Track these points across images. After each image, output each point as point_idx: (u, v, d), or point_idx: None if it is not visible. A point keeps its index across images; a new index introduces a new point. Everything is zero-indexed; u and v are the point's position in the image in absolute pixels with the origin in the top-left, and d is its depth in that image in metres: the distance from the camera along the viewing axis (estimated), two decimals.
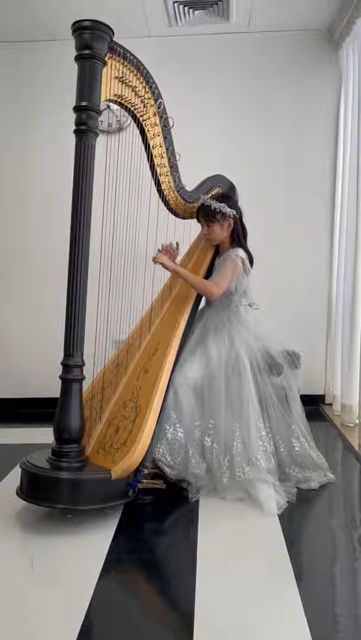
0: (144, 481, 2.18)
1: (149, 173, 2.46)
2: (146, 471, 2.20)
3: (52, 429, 2.09)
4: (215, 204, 2.53)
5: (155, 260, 2.47)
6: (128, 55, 2.18)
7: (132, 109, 2.30)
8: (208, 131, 3.65)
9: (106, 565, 1.74)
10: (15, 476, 2.22)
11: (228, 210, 2.54)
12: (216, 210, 2.53)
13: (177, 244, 2.73)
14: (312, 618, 1.45)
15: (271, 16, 3.47)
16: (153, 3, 3.29)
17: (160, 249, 2.64)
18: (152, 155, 2.41)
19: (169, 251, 2.67)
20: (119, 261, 2.36)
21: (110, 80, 2.14)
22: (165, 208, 2.62)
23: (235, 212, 2.57)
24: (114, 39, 2.10)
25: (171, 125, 2.44)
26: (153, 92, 2.33)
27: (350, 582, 1.70)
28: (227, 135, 3.69)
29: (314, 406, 3.64)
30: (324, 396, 3.76)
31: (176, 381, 2.35)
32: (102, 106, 2.13)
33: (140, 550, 1.86)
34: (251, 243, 2.66)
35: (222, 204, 2.53)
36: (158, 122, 2.38)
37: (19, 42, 3.71)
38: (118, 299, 2.37)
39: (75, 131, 2.07)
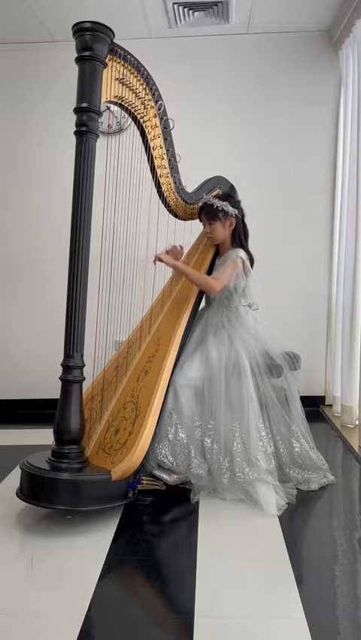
0: (144, 482, 2.19)
1: (149, 175, 2.46)
2: (144, 481, 2.20)
3: (52, 430, 2.09)
4: (218, 203, 2.54)
5: (155, 260, 2.49)
6: (129, 56, 2.18)
7: (133, 110, 2.30)
8: (208, 132, 3.66)
9: (106, 566, 1.74)
10: (15, 477, 2.22)
11: (230, 209, 2.55)
12: (218, 209, 2.54)
13: (181, 247, 2.76)
14: (312, 619, 1.45)
15: (271, 18, 3.48)
16: (152, 4, 3.29)
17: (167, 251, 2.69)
18: (152, 157, 2.42)
19: (173, 252, 2.69)
20: (119, 262, 2.37)
21: (111, 82, 2.15)
22: (165, 209, 2.62)
23: (237, 212, 2.58)
24: (114, 40, 2.11)
25: (171, 126, 2.44)
26: (154, 94, 2.33)
27: (350, 583, 1.70)
28: (227, 136, 3.69)
29: (314, 407, 3.64)
30: (324, 397, 3.76)
31: (176, 382, 2.35)
32: (102, 107, 2.13)
33: (140, 551, 1.86)
34: (251, 243, 2.66)
35: (225, 203, 2.54)
36: (158, 123, 2.38)
37: (20, 43, 3.72)
38: (118, 300, 2.37)
39: (75, 133, 2.07)
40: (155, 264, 2.51)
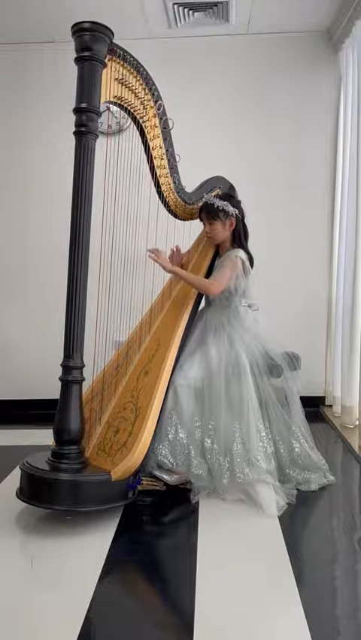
0: (144, 482, 2.18)
1: (148, 175, 2.46)
2: (144, 482, 2.20)
3: (52, 430, 2.09)
4: (218, 202, 2.54)
5: (150, 255, 2.44)
6: (128, 56, 2.18)
7: (132, 110, 2.30)
8: (208, 133, 3.66)
9: (106, 566, 1.74)
10: (15, 478, 2.22)
11: (231, 209, 2.54)
12: (219, 208, 2.54)
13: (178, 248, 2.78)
14: (312, 619, 1.45)
15: (271, 18, 3.48)
16: (152, 5, 3.29)
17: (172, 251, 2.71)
18: (152, 157, 2.41)
19: (174, 256, 2.70)
20: (119, 263, 2.37)
21: (110, 82, 2.15)
22: (164, 209, 2.62)
23: (237, 212, 2.58)
24: (114, 41, 2.11)
25: (170, 126, 2.44)
26: (153, 94, 2.33)
27: (350, 583, 1.70)
28: (227, 136, 3.69)
29: (314, 407, 3.64)
30: (324, 397, 3.76)
31: (176, 382, 2.35)
32: (102, 107, 2.13)
33: (140, 552, 1.86)
34: (251, 243, 2.66)
35: (225, 202, 2.54)
36: (157, 123, 2.38)
37: (19, 43, 3.72)
38: (118, 300, 2.37)
39: (75, 133, 2.07)
40: (147, 255, 2.45)
